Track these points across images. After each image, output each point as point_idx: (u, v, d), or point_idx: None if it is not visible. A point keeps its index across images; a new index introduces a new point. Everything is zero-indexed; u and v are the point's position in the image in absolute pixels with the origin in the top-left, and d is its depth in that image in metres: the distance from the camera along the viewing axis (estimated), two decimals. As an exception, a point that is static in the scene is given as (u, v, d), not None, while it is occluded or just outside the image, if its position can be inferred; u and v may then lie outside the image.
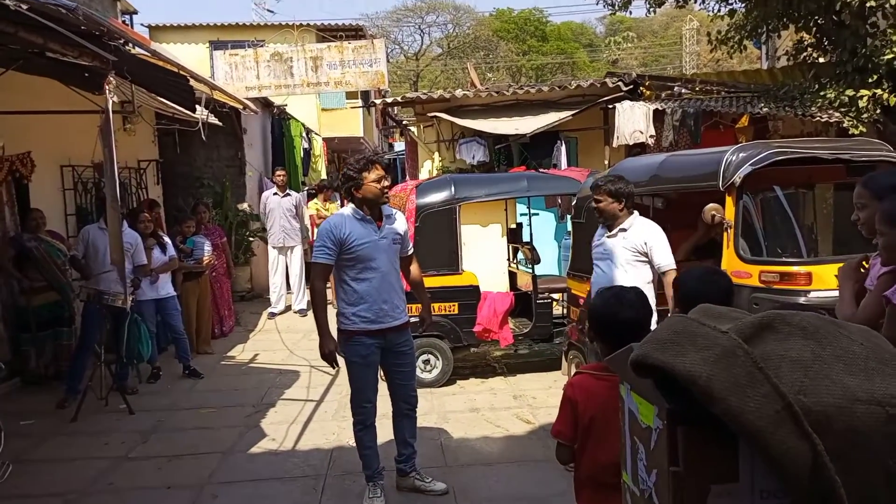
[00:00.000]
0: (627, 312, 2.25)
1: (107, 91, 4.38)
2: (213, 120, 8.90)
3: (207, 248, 7.59)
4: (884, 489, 1.36)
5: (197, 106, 6.68)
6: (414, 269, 4.14)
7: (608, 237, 4.37)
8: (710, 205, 4.37)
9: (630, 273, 4.20)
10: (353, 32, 16.64)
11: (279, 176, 9.74)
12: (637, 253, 4.24)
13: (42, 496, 4.15)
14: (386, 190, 3.77)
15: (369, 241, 3.72)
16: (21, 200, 6.54)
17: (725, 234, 4.24)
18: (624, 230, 4.30)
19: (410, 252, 4.07)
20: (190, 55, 13.12)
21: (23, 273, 6.12)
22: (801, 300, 3.74)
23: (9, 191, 6.36)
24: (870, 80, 7.55)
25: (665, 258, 4.22)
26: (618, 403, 2.19)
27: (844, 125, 7.71)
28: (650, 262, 4.26)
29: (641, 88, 9.39)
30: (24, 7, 3.38)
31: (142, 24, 16.69)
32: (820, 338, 1.50)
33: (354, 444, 4.04)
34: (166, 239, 6.90)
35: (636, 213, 4.40)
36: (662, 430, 1.51)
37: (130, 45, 4.95)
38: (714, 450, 1.45)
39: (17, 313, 6.26)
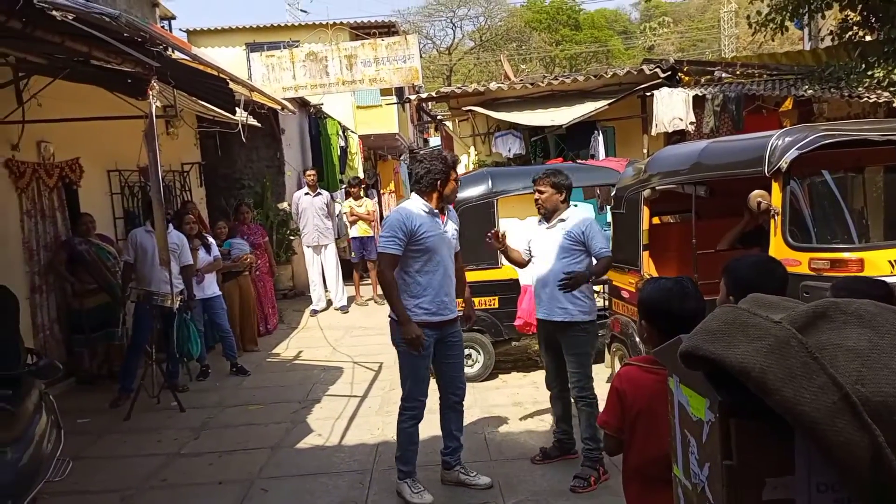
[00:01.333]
0: (691, 303, 2.17)
1: (150, 96, 4.48)
2: (252, 121, 9.05)
3: (245, 248, 7.73)
4: (948, 481, 1.32)
5: (236, 108, 6.80)
6: (459, 265, 4.20)
7: (547, 229, 4.31)
8: (756, 191, 4.26)
9: (570, 263, 4.18)
10: (386, 29, 16.68)
11: (310, 176, 9.85)
12: (576, 242, 4.20)
13: (99, 492, 4.29)
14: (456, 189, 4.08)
15: (436, 234, 3.87)
16: (71, 205, 6.75)
17: (773, 221, 4.13)
18: (563, 220, 4.27)
19: (458, 249, 4.18)
20: (227, 58, 13.35)
21: (75, 276, 6.32)
22: (854, 287, 3.62)
23: (59, 196, 6.58)
24: (920, 58, 7.29)
25: (603, 244, 4.20)
26: (666, 397, 2.18)
27: (894, 105, 7.44)
28: (587, 251, 4.23)
29: (680, 74, 9.21)
30: (70, 17, 3.48)
31: (180, 29, 17.00)
32: (877, 326, 1.45)
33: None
34: (210, 240, 7.05)
35: (572, 204, 4.42)
36: (714, 422, 1.49)
37: (171, 50, 5.06)
38: (768, 442, 1.42)
39: (70, 315, 6.48)
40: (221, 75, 5.47)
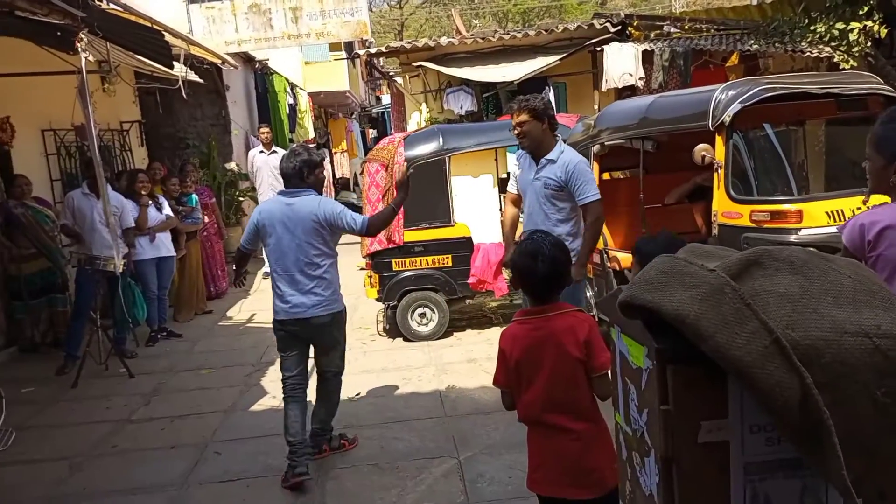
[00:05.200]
0: (543, 267, 2.31)
1: (79, 49, 4.25)
2: (193, 77, 8.71)
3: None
4: (871, 419, 1.38)
5: (175, 63, 6.53)
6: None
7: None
8: (700, 145, 4.32)
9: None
10: (334, -19, 16.14)
11: (264, 133, 9.59)
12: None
13: (47, 461, 4.20)
14: None
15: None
16: (4, 167, 6.44)
17: (716, 174, 4.21)
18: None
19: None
20: (165, 10, 12.72)
21: (11, 241, 6.07)
22: (793, 238, 3.75)
23: (-10, 158, 6.26)
24: (860, 13, 7.42)
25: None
26: (537, 343, 2.29)
27: (835, 60, 7.61)
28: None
29: (630, 29, 9.22)
30: (-13, -35, 3.25)
31: (115, -19, 16.11)
32: (808, 272, 1.50)
33: (350, 398, 4.08)
34: (162, 199, 6.85)
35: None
36: (652, 369, 1.53)
37: (102, 0, 4.80)
38: (703, 387, 1.46)
39: (9, 282, 6.24)
40: (155, 27, 5.22)
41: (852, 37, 7.36)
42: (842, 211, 3.76)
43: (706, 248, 1.67)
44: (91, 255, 5.76)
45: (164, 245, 6.73)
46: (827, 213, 3.82)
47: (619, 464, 1.82)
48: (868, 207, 2.59)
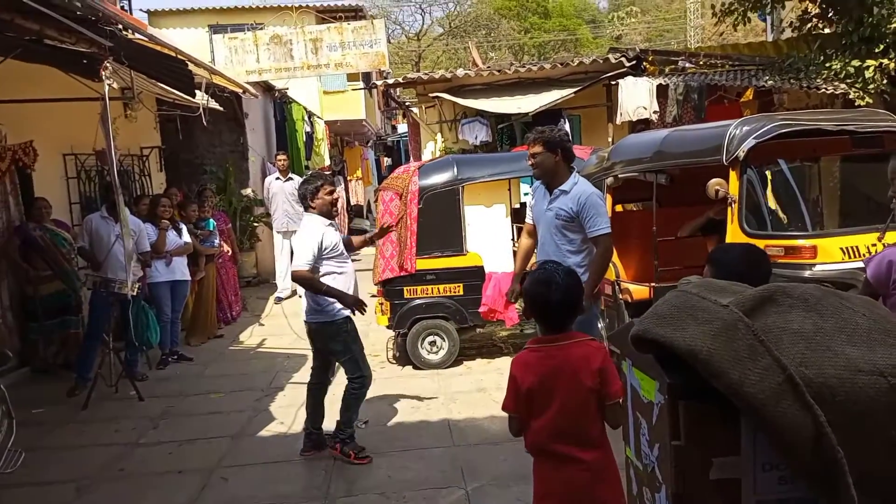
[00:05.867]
0: (556, 296, 2.32)
1: (104, 77, 4.36)
2: (213, 105, 8.87)
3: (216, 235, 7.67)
4: (886, 459, 1.36)
5: (197, 91, 6.66)
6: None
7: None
8: (714, 179, 4.33)
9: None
10: (353, 13, 16.45)
11: (280, 160, 9.72)
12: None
13: (54, 483, 4.19)
14: None
15: None
16: (25, 190, 6.55)
17: (730, 209, 4.21)
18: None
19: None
20: (190, 40, 13.04)
21: (28, 262, 6.15)
22: (807, 273, 3.72)
23: (12, 180, 6.37)
24: (876, 50, 7.45)
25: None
26: (553, 371, 2.28)
27: (850, 97, 7.61)
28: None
29: (645, 64, 9.29)
30: (19, -6, 3.36)
31: (140, 10, 16.55)
32: (822, 309, 1.49)
33: (358, 426, 4.23)
34: (181, 224, 6.95)
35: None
36: (664, 404, 1.52)
37: (128, 30, 4.92)
38: (715, 423, 1.45)
39: (25, 303, 6.30)
40: (179, 56, 5.34)
41: (868, 74, 7.38)
42: (856, 247, 3.73)
43: (720, 283, 1.67)
44: (106, 277, 5.82)
45: (180, 269, 6.80)
46: (841, 248, 3.79)
47: (629, 499, 1.80)
48: (883, 244, 2.57)
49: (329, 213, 4.22)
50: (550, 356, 2.32)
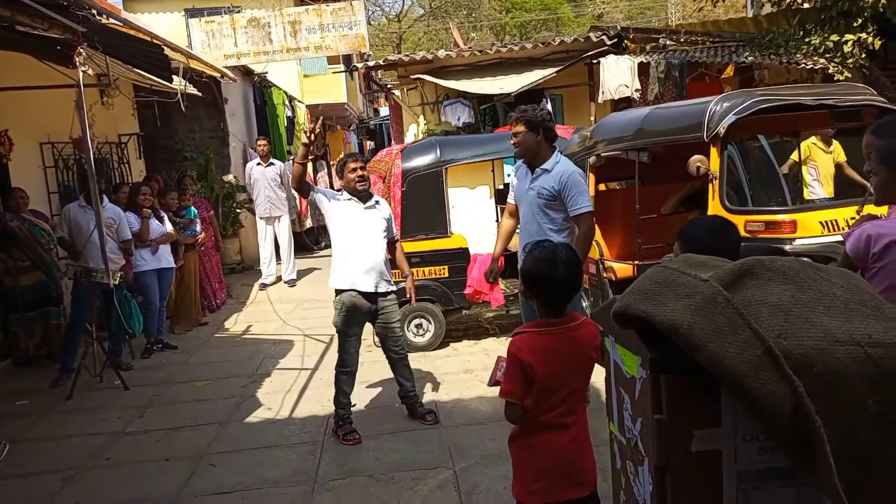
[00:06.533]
0: (561, 272, 2.26)
1: (78, 63, 4.27)
2: (192, 90, 8.75)
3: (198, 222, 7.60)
4: (863, 428, 1.38)
5: (174, 76, 6.55)
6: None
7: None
8: (695, 156, 4.35)
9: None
10: (332, -5, 16.23)
11: (261, 146, 9.63)
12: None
13: (41, 473, 4.16)
14: None
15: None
16: (1, 180, 6.44)
17: (711, 185, 4.23)
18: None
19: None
20: (165, 24, 12.80)
21: (6, 253, 6.06)
22: (787, 248, 3.76)
23: (-13, 170, 6.26)
24: (855, 25, 7.49)
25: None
26: (558, 354, 2.25)
27: (830, 71, 7.66)
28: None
29: (626, 42, 9.29)
30: (-14, -22, 3.28)
31: (115, -5, 16.16)
32: (800, 282, 1.50)
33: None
34: (162, 213, 6.88)
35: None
36: (646, 379, 1.53)
37: (102, 15, 4.82)
38: (696, 396, 1.47)
39: (4, 294, 6.22)
40: (155, 41, 5.25)
41: (847, 48, 7.42)
42: (836, 221, 3.78)
43: (700, 258, 1.68)
44: (87, 267, 5.75)
45: (165, 257, 6.76)
46: (821, 222, 3.84)
47: (613, 473, 1.82)
48: (859, 217, 2.60)
49: (353, 189, 4.34)
50: (564, 339, 2.25)
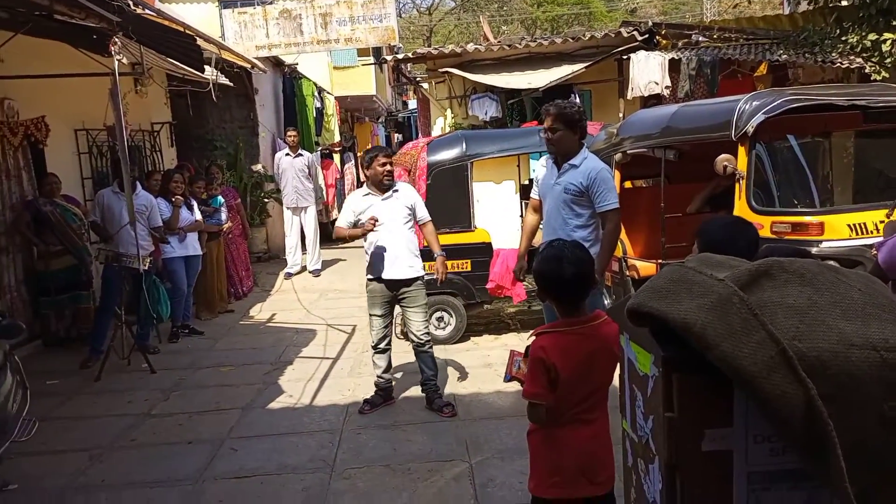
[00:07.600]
0: (569, 270, 2.26)
1: (113, 52, 4.37)
2: (223, 80, 8.86)
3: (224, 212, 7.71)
4: (877, 433, 1.37)
5: (206, 66, 6.65)
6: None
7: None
8: (723, 155, 4.30)
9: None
10: (363, -13, 16.26)
11: (290, 136, 9.73)
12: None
13: (68, 451, 4.29)
14: None
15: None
16: (37, 165, 6.60)
17: (737, 184, 4.18)
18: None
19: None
20: (199, 15, 12.98)
21: (39, 237, 6.22)
22: (813, 250, 3.70)
23: (24, 155, 6.42)
24: (894, 23, 7.30)
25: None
26: (580, 353, 2.24)
27: (866, 71, 7.49)
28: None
29: (657, 38, 9.16)
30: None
31: (150, -15, 16.40)
32: (818, 284, 1.49)
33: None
34: (193, 201, 7.01)
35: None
36: (658, 377, 1.53)
37: (137, 5, 4.91)
38: (709, 396, 1.47)
39: (37, 278, 6.39)
40: (188, 31, 5.33)
41: (885, 47, 7.23)
42: (864, 224, 3.71)
43: (717, 257, 1.67)
44: (118, 252, 5.89)
45: (192, 244, 6.91)
46: (849, 225, 3.77)
47: (625, 471, 1.83)
48: (888, 220, 2.55)
49: (378, 182, 4.47)
50: (586, 337, 2.25)
